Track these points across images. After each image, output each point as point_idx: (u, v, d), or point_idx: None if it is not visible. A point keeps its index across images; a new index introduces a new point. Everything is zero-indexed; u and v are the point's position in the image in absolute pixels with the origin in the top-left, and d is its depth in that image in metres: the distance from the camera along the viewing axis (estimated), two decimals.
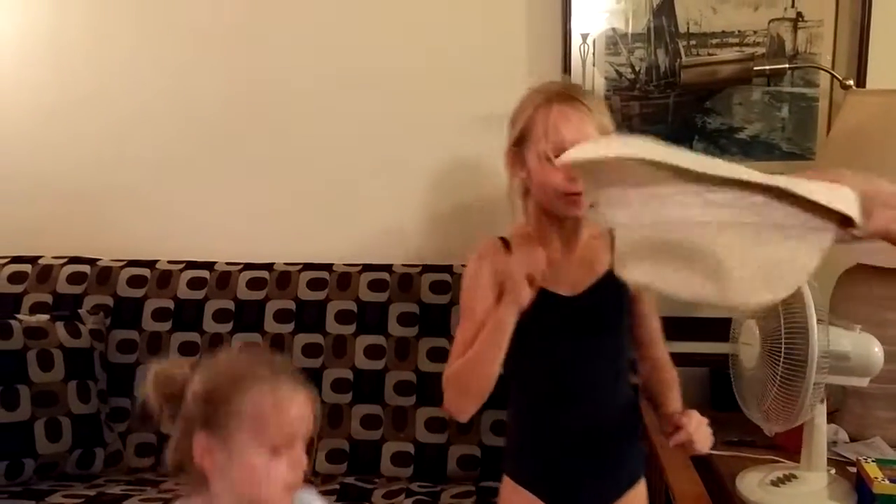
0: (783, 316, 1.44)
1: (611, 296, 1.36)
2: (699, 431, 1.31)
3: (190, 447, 1.05)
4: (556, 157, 1.27)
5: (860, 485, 1.48)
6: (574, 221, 1.38)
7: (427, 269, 2.03)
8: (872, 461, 1.50)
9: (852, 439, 1.75)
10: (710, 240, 0.79)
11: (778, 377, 1.44)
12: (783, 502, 1.50)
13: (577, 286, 1.38)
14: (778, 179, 0.80)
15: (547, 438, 1.38)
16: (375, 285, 2.02)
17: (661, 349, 1.48)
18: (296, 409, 1.06)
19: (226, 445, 1.04)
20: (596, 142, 1.02)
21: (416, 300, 1.98)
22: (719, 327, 1.64)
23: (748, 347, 1.53)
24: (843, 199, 0.81)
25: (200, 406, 1.05)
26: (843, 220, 0.83)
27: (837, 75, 1.90)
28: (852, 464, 1.59)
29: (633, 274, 0.87)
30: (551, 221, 1.38)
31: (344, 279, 2.03)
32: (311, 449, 1.10)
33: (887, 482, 1.41)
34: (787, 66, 1.93)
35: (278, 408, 1.04)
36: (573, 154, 0.94)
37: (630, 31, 2.00)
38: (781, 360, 1.43)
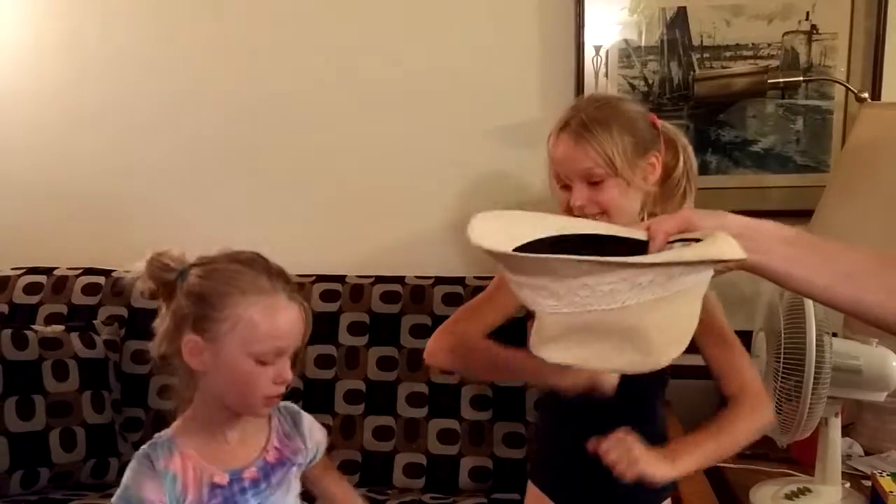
0: (784, 329, 1.44)
1: None
2: (612, 451, 1.14)
3: (179, 344, 1.07)
4: (559, 185, 1.32)
5: (875, 499, 1.46)
6: None
7: (439, 280, 2.04)
8: (887, 475, 1.49)
9: (867, 453, 1.74)
10: (639, 319, 0.80)
11: (777, 389, 1.43)
12: None
13: None
14: (683, 253, 0.84)
15: (570, 453, 1.37)
16: (388, 297, 2.02)
17: (732, 382, 1.28)
18: (287, 324, 1.07)
19: (214, 348, 1.06)
20: (499, 222, 0.95)
21: (429, 312, 1.98)
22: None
23: (758, 359, 1.53)
24: (740, 249, 0.86)
25: (193, 305, 1.06)
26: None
27: (852, 88, 1.90)
28: (867, 477, 1.57)
29: (554, 355, 0.87)
30: None
31: (356, 290, 2.04)
32: (296, 360, 1.11)
33: None
34: (801, 78, 1.93)
35: (271, 321, 1.06)
36: (478, 239, 0.88)
37: (643, 43, 2.00)
38: (780, 372, 1.43)
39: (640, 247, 0.93)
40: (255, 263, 1.10)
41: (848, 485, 1.57)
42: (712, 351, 1.31)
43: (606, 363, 0.85)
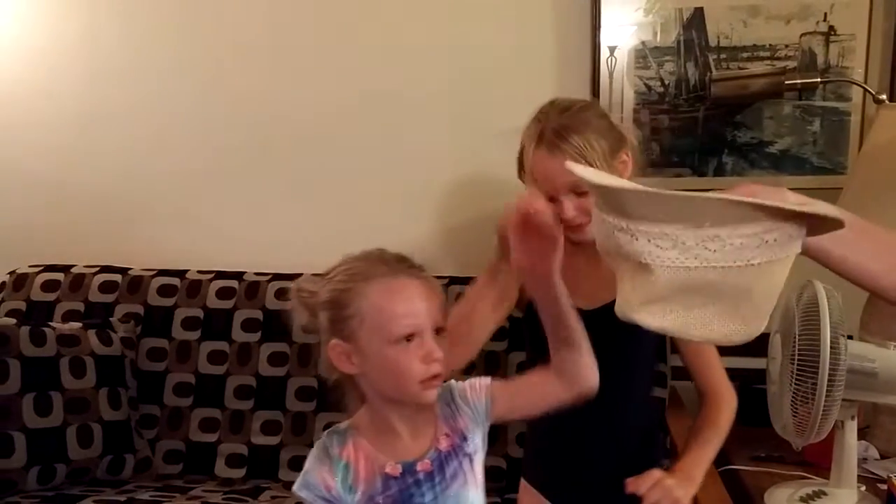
0: (799, 331, 1.43)
1: None
2: (652, 495, 1.26)
3: (329, 356, 1.08)
4: (546, 197, 1.29)
5: (891, 502, 1.46)
6: None
7: (453, 280, 2.03)
8: None
9: (883, 456, 1.73)
10: (755, 281, 0.76)
11: (792, 392, 1.43)
12: None
13: (595, 300, 1.34)
14: (814, 205, 0.81)
15: (559, 447, 1.38)
16: None
17: (706, 382, 1.47)
18: (412, 299, 1.05)
19: (356, 346, 1.06)
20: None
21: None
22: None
23: (774, 361, 1.52)
24: (833, 210, 0.85)
25: (326, 314, 1.08)
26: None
27: (870, 89, 1.88)
28: (883, 481, 1.57)
29: (652, 319, 0.82)
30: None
31: None
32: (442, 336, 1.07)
33: None
34: (818, 80, 1.91)
35: (393, 300, 1.04)
36: (591, 176, 0.85)
37: (659, 44, 2.00)
38: (795, 374, 1.42)
39: None
40: (371, 255, 1.10)
41: (864, 488, 1.56)
42: (691, 349, 1.43)
43: (706, 331, 0.79)
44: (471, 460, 1.11)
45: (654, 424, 1.49)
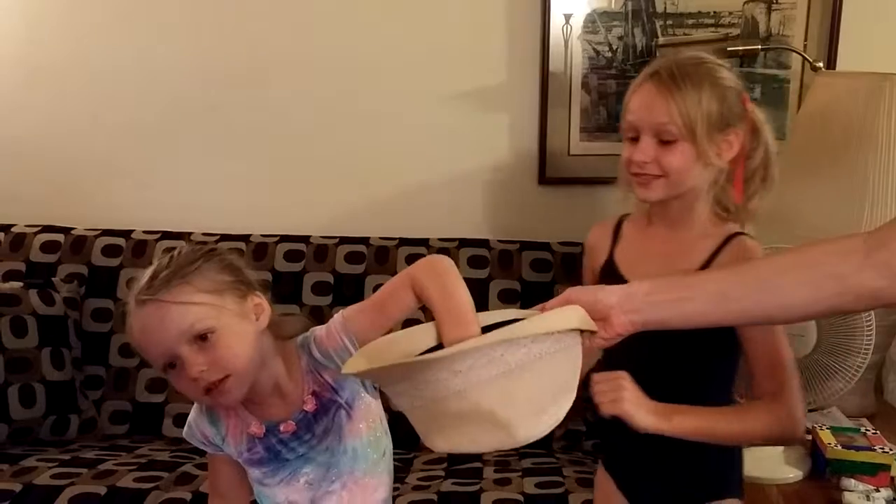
0: None
1: None
2: (601, 384, 1.14)
3: None
4: (626, 137, 1.26)
5: (815, 450, 1.53)
6: (680, 209, 1.26)
7: (403, 242, 2.06)
8: (827, 429, 1.55)
9: (811, 409, 1.80)
10: (479, 399, 0.81)
11: None
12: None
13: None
14: (513, 330, 0.83)
15: (617, 435, 1.26)
16: (352, 257, 2.04)
17: (764, 388, 1.20)
18: (149, 333, 1.00)
19: None
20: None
21: (392, 272, 1.99)
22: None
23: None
24: (573, 317, 0.89)
25: None
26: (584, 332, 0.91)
27: (808, 57, 1.94)
28: (808, 432, 1.63)
29: (441, 445, 0.88)
30: (657, 205, 1.28)
31: (321, 251, 2.05)
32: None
33: (839, 447, 1.47)
34: (759, 47, 1.96)
35: (139, 343, 1.02)
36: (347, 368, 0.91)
37: (608, 9, 2.01)
38: None
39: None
40: (154, 267, 1.03)
41: None
42: (754, 345, 1.22)
43: (480, 444, 0.86)
44: (348, 409, 1.09)
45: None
